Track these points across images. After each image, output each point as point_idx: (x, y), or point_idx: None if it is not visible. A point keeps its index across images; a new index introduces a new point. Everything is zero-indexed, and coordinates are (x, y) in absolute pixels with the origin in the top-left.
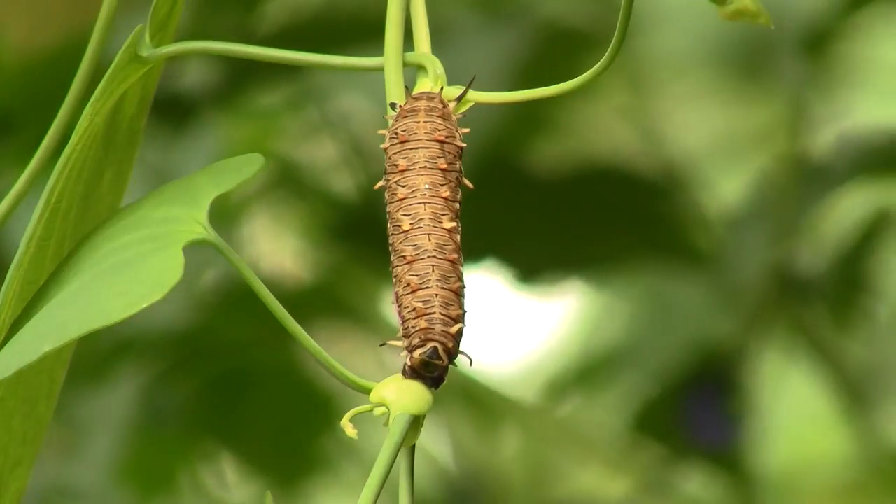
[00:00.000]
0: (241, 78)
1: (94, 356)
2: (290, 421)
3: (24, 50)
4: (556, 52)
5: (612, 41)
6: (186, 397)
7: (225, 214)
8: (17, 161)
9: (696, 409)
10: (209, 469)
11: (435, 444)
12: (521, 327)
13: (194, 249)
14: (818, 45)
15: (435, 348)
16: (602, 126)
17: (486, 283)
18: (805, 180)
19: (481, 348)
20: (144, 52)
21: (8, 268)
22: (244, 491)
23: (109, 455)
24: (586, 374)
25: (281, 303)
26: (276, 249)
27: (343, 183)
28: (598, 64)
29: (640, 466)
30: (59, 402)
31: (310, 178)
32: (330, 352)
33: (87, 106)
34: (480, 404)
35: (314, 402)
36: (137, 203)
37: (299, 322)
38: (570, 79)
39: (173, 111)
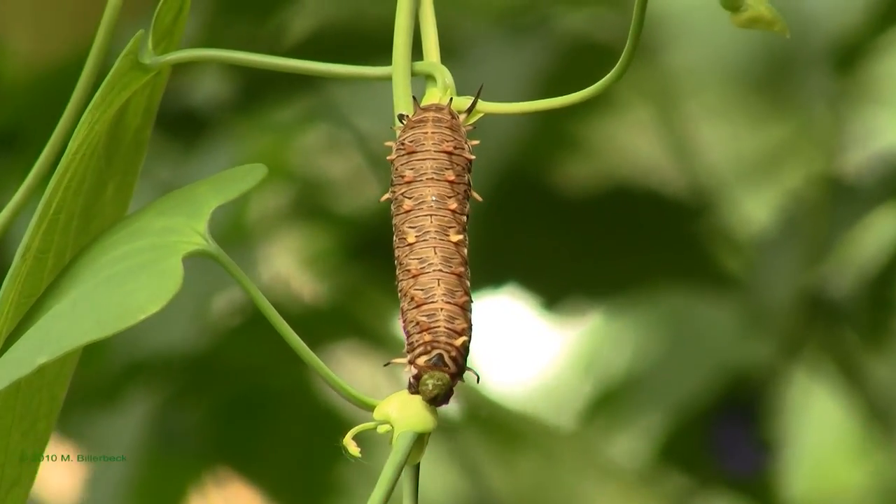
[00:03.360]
0: (255, 92)
1: (104, 378)
2: (307, 446)
3: (31, 63)
4: (580, 67)
5: (626, 47)
6: (199, 422)
7: (239, 232)
8: (24, 175)
9: (722, 436)
10: (222, 497)
11: (453, 466)
12: (543, 351)
13: (207, 269)
14: (848, 61)
15: (440, 354)
16: (626, 144)
17: (507, 307)
18: (836, 201)
19: (502, 372)
20: (147, 60)
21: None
22: None
23: (119, 481)
24: (610, 399)
25: (298, 323)
26: (292, 268)
27: (361, 200)
28: (611, 73)
29: (664, 495)
30: (68, 424)
31: (326, 194)
32: (348, 373)
33: (86, 113)
34: (500, 428)
35: (332, 426)
36: (137, 213)
37: (317, 343)
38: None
39: (186, 126)
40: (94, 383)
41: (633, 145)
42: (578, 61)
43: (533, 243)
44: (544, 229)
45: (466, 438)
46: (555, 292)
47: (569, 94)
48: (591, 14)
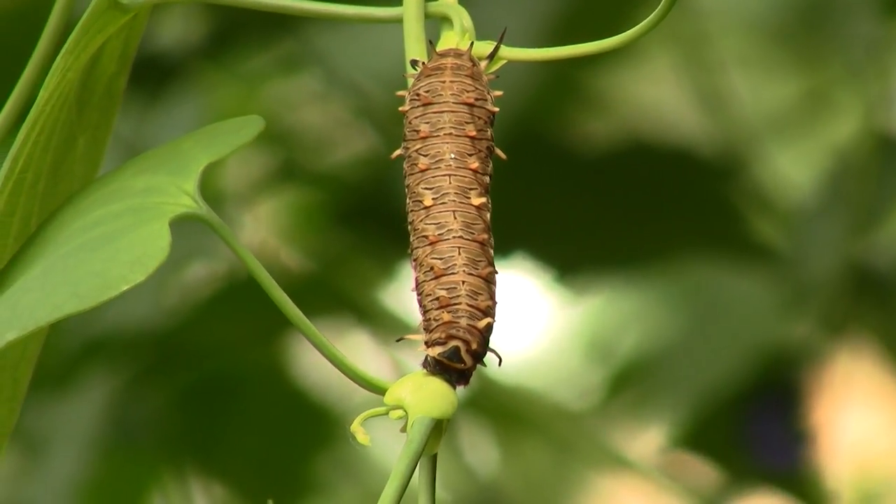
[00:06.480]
0: (228, 36)
1: (57, 359)
2: (279, 436)
3: None
4: (596, 8)
5: None
6: (160, 408)
7: (210, 195)
8: None
9: (756, 425)
10: (185, 491)
11: (452, 454)
12: (553, 328)
13: (173, 236)
14: None
15: (457, 348)
16: (647, 96)
17: (514, 280)
18: (885, 160)
19: (508, 352)
20: None
21: None
22: None
23: (72, 473)
24: (628, 382)
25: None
26: (271, 234)
27: (347, 157)
28: (651, 16)
29: (690, 491)
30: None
31: (308, 151)
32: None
33: (58, 59)
34: (506, 413)
35: (307, 414)
36: (114, 172)
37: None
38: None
39: (149, 75)
40: (43, 365)
41: (654, 97)
42: (595, 2)
43: (543, 208)
44: (555, 192)
45: (468, 424)
46: (567, 263)
47: (584, 39)
48: None
